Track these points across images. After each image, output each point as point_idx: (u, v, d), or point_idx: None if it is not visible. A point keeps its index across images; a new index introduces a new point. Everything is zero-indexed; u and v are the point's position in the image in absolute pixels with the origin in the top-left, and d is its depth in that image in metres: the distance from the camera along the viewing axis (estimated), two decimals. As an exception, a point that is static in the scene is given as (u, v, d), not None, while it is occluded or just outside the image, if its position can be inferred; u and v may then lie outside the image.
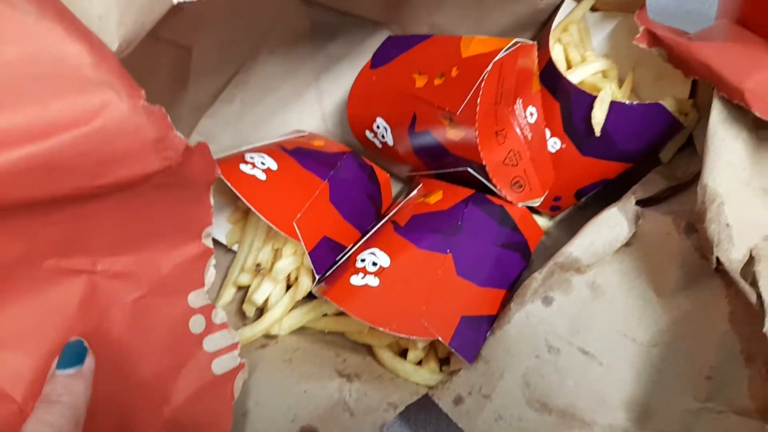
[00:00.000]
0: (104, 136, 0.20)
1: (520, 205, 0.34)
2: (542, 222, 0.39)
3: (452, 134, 0.33)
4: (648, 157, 0.35)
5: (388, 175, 0.39)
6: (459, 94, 0.32)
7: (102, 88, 0.19)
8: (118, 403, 0.24)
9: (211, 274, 0.28)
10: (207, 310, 0.27)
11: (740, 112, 0.29)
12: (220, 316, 0.28)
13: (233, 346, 0.28)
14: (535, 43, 0.34)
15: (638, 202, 0.32)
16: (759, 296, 0.24)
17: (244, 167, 0.32)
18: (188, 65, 0.37)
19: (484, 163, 0.33)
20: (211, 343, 0.27)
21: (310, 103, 0.45)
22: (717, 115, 0.29)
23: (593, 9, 0.40)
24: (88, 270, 0.24)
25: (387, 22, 0.44)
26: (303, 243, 0.31)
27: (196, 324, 0.27)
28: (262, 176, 0.32)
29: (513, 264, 0.33)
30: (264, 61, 0.43)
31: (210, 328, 0.27)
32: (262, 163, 0.33)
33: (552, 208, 0.39)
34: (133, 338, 0.25)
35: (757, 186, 0.28)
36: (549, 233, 0.40)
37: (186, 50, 0.36)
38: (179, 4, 0.23)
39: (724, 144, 0.28)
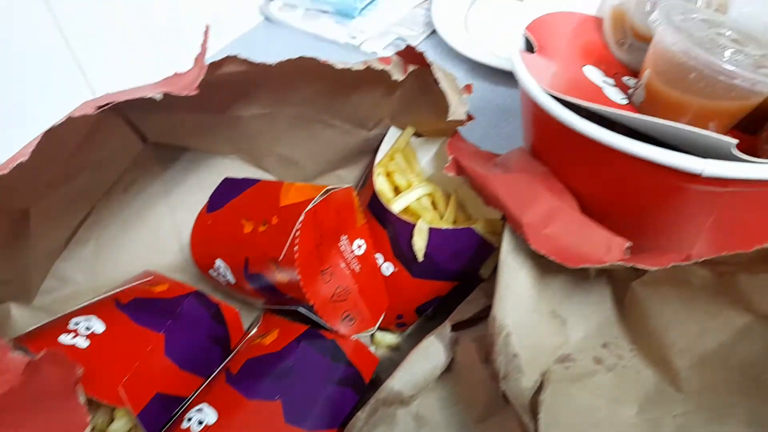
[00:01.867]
0: None
1: (353, 337, 0.36)
2: (391, 338, 0.41)
3: (280, 277, 0.35)
4: (470, 275, 0.38)
5: (237, 311, 0.40)
6: (279, 242, 0.34)
7: None
8: None
9: None
10: None
11: (525, 242, 0.32)
12: None
13: None
14: (350, 187, 0.36)
15: (456, 326, 0.34)
16: (536, 430, 0.26)
17: (63, 338, 0.32)
18: (27, 223, 0.38)
19: (311, 303, 0.34)
20: None
21: (168, 237, 0.46)
22: (506, 245, 0.32)
23: (418, 134, 0.43)
24: None
25: (235, 152, 0.46)
26: (130, 407, 0.31)
27: None
28: (84, 344, 0.32)
29: (345, 400, 0.34)
30: (118, 199, 0.44)
31: None
32: (87, 328, 0.33)
33: (398, 325, 0.40)
34: None
35: (545, 310, 0.31)
36: (399, 348, 0.41)
37: (23, 212, 0.37)
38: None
39: (512, 274, 0.31)
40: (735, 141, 0.26)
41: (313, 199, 0.33)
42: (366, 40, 0.67)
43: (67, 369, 0.25)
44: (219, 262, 0.38)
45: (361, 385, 0.35)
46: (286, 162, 0.46)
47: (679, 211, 0.30)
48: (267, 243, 0.34)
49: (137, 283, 0.40)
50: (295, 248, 0.33)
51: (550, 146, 0.34)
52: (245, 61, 0.30)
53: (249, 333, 0.39)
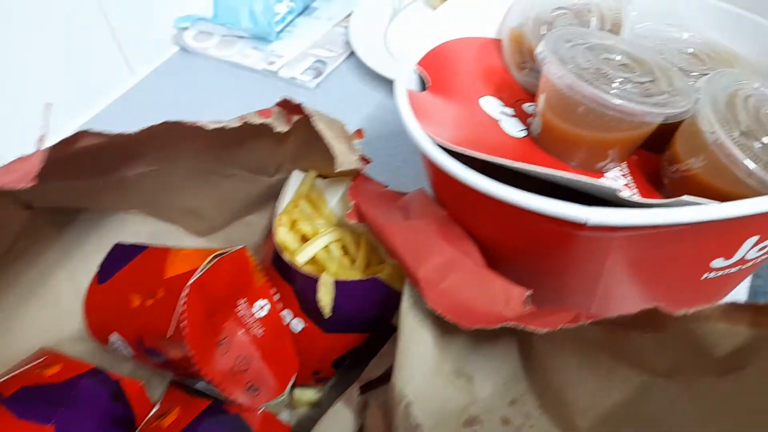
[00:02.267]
0: None
1: (260, 409, 0.34)
2: (312, 394, 0.39)
3: (174, 353, 0.32)
4: (382, 325, 0.36)
5: (141, 386, 0.37)
6: (167, 317, 0.31)
7: None
8: None
9: None
10: None
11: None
12: None
13: None
14: (242, 248, 0.34)
15: (366, 386, 0.32)
16: None
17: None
18: None
19: (208, 378, 0.32)
20: None
21: (71, 303, 0.43)
22: (406, 301, 0.30)
23: (323, 176, 0.41)
24: None
25: (135, 207, 0.43)
26: None
27: None
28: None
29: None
30: (12, 269, 0.41)
31: None
32: (-41, 435, 0.30)
33: (317, 380, 0.38)
34: None
35: (448, 370, 0.29)
36: (321, 404, 0.39)
37: None
38: None
39: (412, 334, 0.29)
40: (618, 187, 0.25)
41: (197, 268, 0.31)
42: (284, 66, 0.64)
43: None
44: (115, 337, 0.36)
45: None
46: (191, 213, 0.43)
47: (574, 257, 0.28)
48: (155, 318, 0.32)
49: (27, 367, 0.37)
50: (183, 323, 0.30)
51: (444, 191, 0.33)
52: (100, 134, 0.28)
53: (154, 407, 0.36)
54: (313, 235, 0.38)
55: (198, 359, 0.31)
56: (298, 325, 0.36)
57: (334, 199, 0.41)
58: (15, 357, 0.39)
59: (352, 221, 0.35)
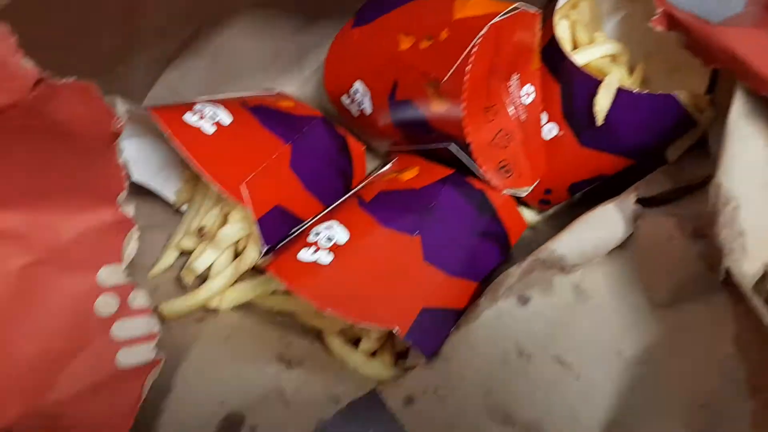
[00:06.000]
0: None
1: (504, 192, 0.30)
2: (529, 216, 0.35)
3: (436, 106, 0.29)
4: (652, 154, 0.31)
5: (364, 147, 0.35)
6: (447, 60, 0.28)
7: None
8: None
9: (132, 248, 0.24)
10: (123, 291, 0.23)
11: (765, 105, 0.25)
12: (139, 299, 0.24)
13: (150, 337, 0.24)
14: (539, 12, 0.30)
15: (638, 201, 0.28)
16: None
17: (188, 117, 0.28)
18: (143, 12, 0.33)
19: (468, 141, 0.29)
20: (122, 330, 0.23)
21: (289, 64, 0.41)
22: (739, 108, 0.25)
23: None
24: None
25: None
26: (251, 208, 0.27)
27: (105, 305, 0.23)
28: (210, 129, 0.28)
29: (489, 256, 0.29)
30: (243, 12, 0.39)
31: (124, 311, 0.23)
32: (213, 116, 0.29)
33: (541, 201, 0.35)
34: (16, 311, 0.21)
35: (777, 190, 0.25)
36: (536, 228, 0.36)
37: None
38: None
39: (745, 141, 0.25)
40: None
41: (498, 13, 0.27)
42: None
43: (103, 115, 0.21)
44: (357, 85, 0.33)
45: (506, 245, 0.30)
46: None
47: None
48: (429, 61, 0.29)
49: (258, 93, 0.35)
50: (468, 67, 0.27)
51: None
52: None
53: (371, 174, 0.34)
54: (588, 44, 0.34)
55: (467, 114, 0.28)
56: (551, 131, 0.32)
57: (609, 22, 0.36)
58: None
59: (659, 28, 0.30)
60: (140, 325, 0.24)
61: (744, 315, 0.22)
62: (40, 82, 0.18)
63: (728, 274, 0.22)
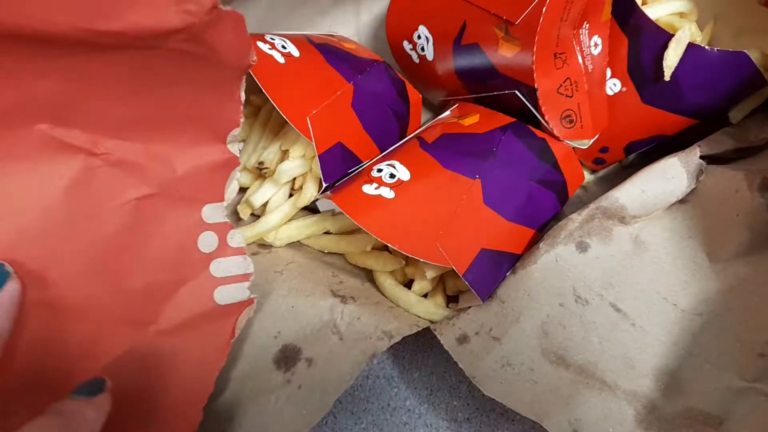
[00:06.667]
0: None
1: (566, 142, 0.30)
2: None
3: (505, 49, 0.29)
4: (715, 115, 0.31)
5: (421, 96, 0.35)
6: (521, 3, 0.28)
7: None
8: (94, 308, 0.20)
9: (233, 189, 0.24)
10: (222, 229, 0.24)
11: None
12: (236, 239, 0.24)
13: (245, 277, 0.24)
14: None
15: (702, 158, 0.28)
16: None
17: (261, 45, 0.28)
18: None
19: (536, 86, 0.29)
20: (219, 268, 0.24)
21: (346, 11, 0.41)
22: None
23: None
24: (86, 149, 0.20)
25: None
26: (314, 142, 0.27)
27: (207, 242, 0.23)
28: (281, 59, 0.28)
29: (547, 204, 0.29)
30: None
31: (222, 250, 0.24)
32: (283, 47, 0.29)
33: (596, 160, 0.35)
34: (128, 242, 0.21)
35: None
36: (587, 188, 0.35)
37: None
38: None
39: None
40: None
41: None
42: None
43: (244, 45, 0.20)
44: (422, 30, 0.33)
45: (564, 195, 0.30)
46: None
47: None
48: (501, 2, 0.29)
49: (323, 34, 0.35)
50: (544, 9, 0.27)
51: None
52: None
53: (427, 123, 0.34)
54: (657, 1, 0.33)
55: (537, 59, 0.28)
56: (614, 86, 0.32)
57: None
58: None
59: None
60: (237, 263, 0.24)
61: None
62: (214, 9, 0.18)
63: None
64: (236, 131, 0.23)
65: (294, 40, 0.30)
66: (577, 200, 0.34)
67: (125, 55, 0.18)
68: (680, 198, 0.27)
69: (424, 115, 0.38)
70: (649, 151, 0.33)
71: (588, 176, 0.35)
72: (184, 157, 0.22)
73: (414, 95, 0.35)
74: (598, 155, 0.34)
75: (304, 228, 0.30)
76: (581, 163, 0.35)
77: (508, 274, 0.26)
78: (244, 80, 0.22)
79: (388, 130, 0.32)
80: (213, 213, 0.23)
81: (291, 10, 0.40)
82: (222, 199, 0.23)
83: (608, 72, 0.32)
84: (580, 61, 0.30)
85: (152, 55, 0.19)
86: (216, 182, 0.23)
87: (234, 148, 0.23)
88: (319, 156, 0.28)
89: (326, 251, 0.31)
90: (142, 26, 0.17)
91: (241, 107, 0.22)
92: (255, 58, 0.21)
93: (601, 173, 0.36)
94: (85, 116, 0.20)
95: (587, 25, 0.30)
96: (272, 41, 0.29)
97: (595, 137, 0.31)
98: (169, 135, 0.21)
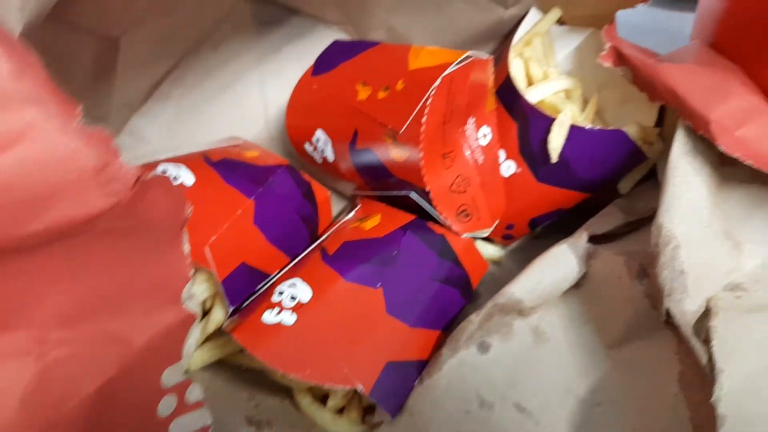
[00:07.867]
0: (29, 166, 0.15)
1: (465, 235, 0.31)
2: (494, 251, 0.36)
3: (395, 154, 0.30)
4: (607, 187, 0.32)
5: (328, 193, 0.36)
6: (403, 111, 0.29)
7: (24, 105, 0.15)
8: None
9: (191, 343, 0.23)
10: (181, 388, 0.23)
11: (705, 144, 0.26)
12: (195, 393, 0.23)
13: (204, 430, 0.23)
14: (491, 57, 0.31)
15: (592, 239, 0.29)
16: (710, 358, 0.21)
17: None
18: (115, 57, 0.34)
19: (427, 189, 0.30)
20: (178, 428, 0.23)
21: (254, 107, 0.42)
22: (680, 146, 0.26)
23: (560, 22, 0.37)
24: (34, 350, 0.18)
25: (341, 22, 0.41)
26: (215, 271, 0.27)
27: (166, 406, 0.22)
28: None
29: (451, 302, 0.30)
30: (206, 57, 0.40)
31: (180, 409, 0.23)
32: (176, 177, 0.29)
33: (504, 236, 0.36)
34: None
35: (718, 229, 0.25)
36: (501, 264, 0.36)
37: (112, 42, 0.33)
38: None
39: (685, 179, 0.26)
40: None
41: (451, 63, 0.28)
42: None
43: (177, 203, 0.20)
44: (319, 134, 0.34)
45: (468, 289, 0.31)
46: (398, 39, 0.40)
47: None
48: (386, 112, 0.30)
49: (225, 145, 0.36)
50: (424, 119, 0.28)
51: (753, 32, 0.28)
52: None
53: (338, 220, 0.35)
54: (542, 80, 0.35)
55: (425, 163, 0.29)
56: (509, 168, 0.33)
57: (563, 52, 0.37)
58: (200, 143, 0.38)
59: (607, 63, 0.31)
60: (195, 418, 0.23)
61: (685, 354, 0.23)
62: (137, 181, 0.17)
63: (669, 314, 0.23)
64: (189, 287, 0.22)
65: (191, 163, 0.31)
66: (491, 279, 0.35)
67: (55, 247, 0.18)
68: (573, 283, 0.28)
69: (339, 205, 0.39)
70: (554, 222, 0.34)
71: (500, 251, 0.36)
72: (141, 330, 0.21)
73: (321, 194, 0.35)
74: (506, 232, 0.35)
75: (218, 348, 0.30)
76: (491, 240, 0.36)
77: (416, 383, 0.27)
78: (185, 231, 0.21)
79: (295, 236, 0.33)
80: (172, 375, 0.22)
81: (198, 114, 0.40)
82: (180, 358, 0.23)
83: (503, 154, 0.33)
84: (468, 155, 0.31)
85: (85, 241, 0.18)
86: (175, 344, 0.22)
87: (191, 305, 0.22)
88: (221, 282, 0.28)
89: (244, 368, 0.31)
90: (67, 218, 0.17)
91: (188, 260, 0.22)
92: (191, 208, 0.21)
93: (512, 246, 0.37)
94: (27, 315, 0.19)
95: (473, 120, 0.32)
96: (165, 173, 0.29)
97: (494, 225, 0.32)
98: (121, 310, 0.21)
